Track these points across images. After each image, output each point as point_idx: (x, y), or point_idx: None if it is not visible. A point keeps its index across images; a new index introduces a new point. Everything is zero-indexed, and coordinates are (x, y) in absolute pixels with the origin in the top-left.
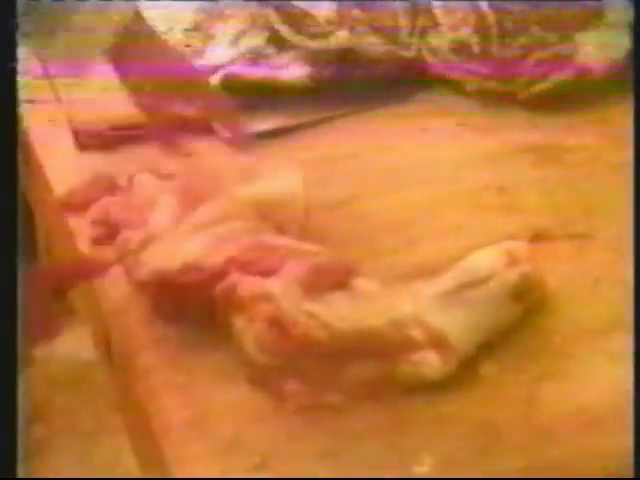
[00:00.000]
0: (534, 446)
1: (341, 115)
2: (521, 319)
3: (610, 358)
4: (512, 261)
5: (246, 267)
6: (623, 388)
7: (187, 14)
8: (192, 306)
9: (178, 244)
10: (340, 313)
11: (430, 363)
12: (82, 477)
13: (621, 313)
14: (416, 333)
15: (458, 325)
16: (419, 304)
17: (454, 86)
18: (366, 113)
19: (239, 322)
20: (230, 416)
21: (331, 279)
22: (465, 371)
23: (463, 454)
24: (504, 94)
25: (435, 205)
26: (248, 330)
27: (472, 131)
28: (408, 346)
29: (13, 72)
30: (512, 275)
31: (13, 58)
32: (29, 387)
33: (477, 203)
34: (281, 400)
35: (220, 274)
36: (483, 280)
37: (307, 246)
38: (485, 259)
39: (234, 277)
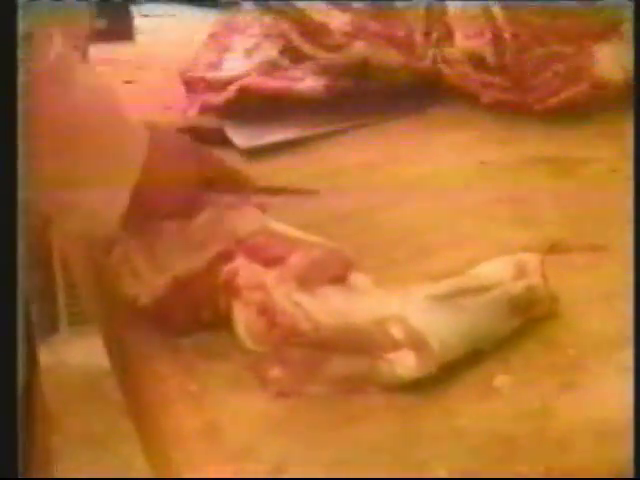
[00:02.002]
0: (549, 458)
1: (356, 126)
2: (535, 330)
3: (624, 371)
4: (521, 273)
5: (251, 253)
6: (633, 402)
7: (203, 25)
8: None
9: None
10: (328, 307)
11: (406, 363)
12: (82, 477)
13: (630, 327)
14: (397, 332)
15: (444, 329)
16: (406, 304)
17: (469, 98)
18: (381, 124)
19: (236, 308)
20: (243, 424)
21: (329, 273)
22: (479, 383)
23: (478, 466)
24: (519, 106)
25: (449, 216)
26: (241, 316)
27: (487, 143)
28: (388, 344)
29: (13, 73)
30: (517, 287)
31: (13, 58)
32: (41, 394)
33: (491, 214)
34: (264, 385)
35: (227, 260)
36: (485, 289)
37: (312, 238)
38: (492, 269)
39: (238, 262)
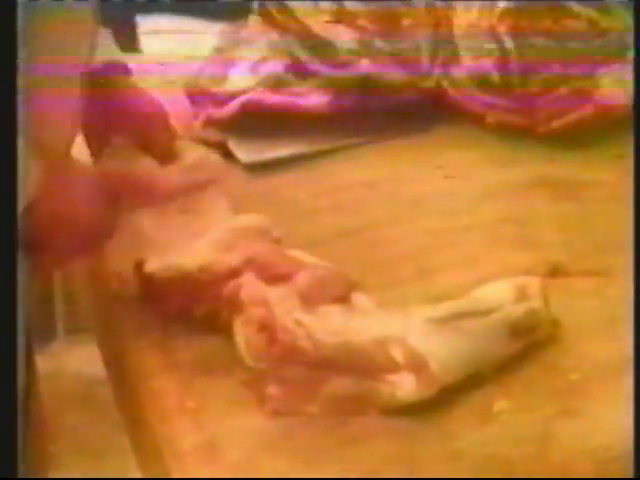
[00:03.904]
0: None
1: (359, 143)
2: (536, 355)
3: (624, 398)
4: (521, 296)
5: (259, 270)
6: (635, 430)
7: (209, 38)
8: (201, 308)
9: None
10: (329, 326)
11: (405, 386)
12: (83, 477)
13: (635, 353)
14: (397, 354)
15: (445, 352)
16: (408, 327)
17: (473, 118)
18: (384, 142)
19: (237, 324)
20: (241, 442)
21: (332, 293)
22: (479, 407)
23: None
24: (523, 128)
25: (451, 236)
26: (242, 332)
27: (490, 164)
28: (388, 366)
29: (13, 76)
30: (517, 310)
31: (13, 60)
32: (37, 403)
33: (493, 236)
34: (261, 403)
35: (235, 274)
36: (485, 312)
37: (317, 261)
38: (493, 292)
39: (245, 278)
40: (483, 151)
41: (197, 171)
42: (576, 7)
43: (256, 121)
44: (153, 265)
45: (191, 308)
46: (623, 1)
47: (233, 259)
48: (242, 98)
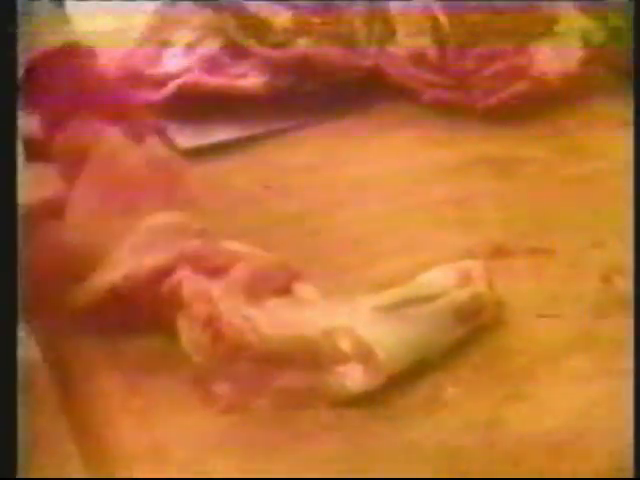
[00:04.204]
0: (499, 471)
1: (299, 125)
2: (483, 339)
3: (573, 379)
4: (465, 280)
5: (194, 264)
6: (586, 411)
7: (141, 18)
8: (142, 312)
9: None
10: (275, 319)
11: (354, 377)
12: (83, 477)
13: (582, 332)
14: (345, 345)
15: (391, 340)
16: (354, 316)
17: (411, 96)
18: (323, 124)
19: (181, 321)
20: (189, 442)
21: (274, 284)
22: (428, 395)
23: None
24: (460, 105)
25: (392, 220)
26: (186, 329)
27: (429, 143)
28: (336, 358)
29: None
30: (461, 295)
31: (14, 63)
32: None
33: (434, 217)
34: (210, 401)
35: (168, 271)
36: (429, 298)
37: (254, 250)
38: (437, 277)
39: (181, 274)
40: (422, 130)
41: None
42: None
43: (193, 104)
44: (83, 291)
45: (131, 315)
46: (623, 1)
47: (159, 259)
48: (178, 80)
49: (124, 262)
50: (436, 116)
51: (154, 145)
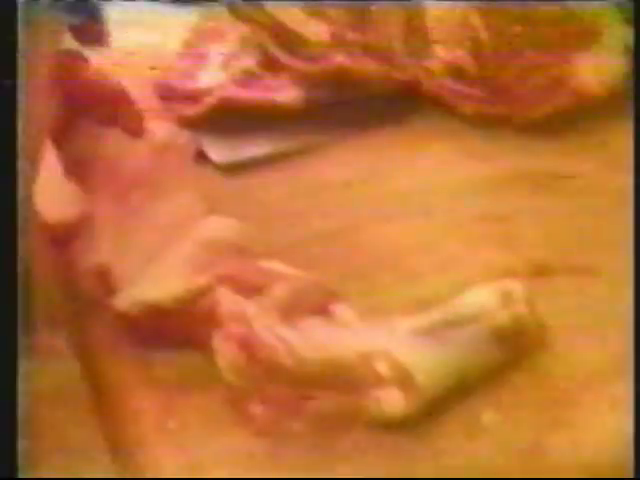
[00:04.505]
0: None
1: (334, 141)
2: (524, 362)
3: (616, 406)
4: (506, 301)
5: (233, 283)
6: (628, 440)
7: (179, 31)
8: (179, 329)
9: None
10: (310, 341)
11: (392, 401)
12: (83, 477)
13: (624, 356)
14: (382, 368)
15: (429, 364)
16: (391, 339)
17: (449, 110)
18: (359, 138)
19: (217, 340)
20: (225, 463)
21: (311, 305)
22: (467, 420)
23: None
24: (500, 119)
25: (430, 237)
26: (222, 349)
27: (468, 157)
28: (373, 381)
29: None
30: (502, 316)
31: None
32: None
33: (473, 234)
34: (245, 423)
35: (208, 289)
36: (468, 320)
37: (292, 270)
38: (477, 298)
39: (218, 293)
40: (460, 144)
41: (167, 149)
42: None
43: (229, 119)
44: (123, 303)
45: (168, 332)
46: (623, 1)
47: (204, 278)
48: (214, 94)
49: (166, 278)
50: (475, 130)
51: (155, 131)
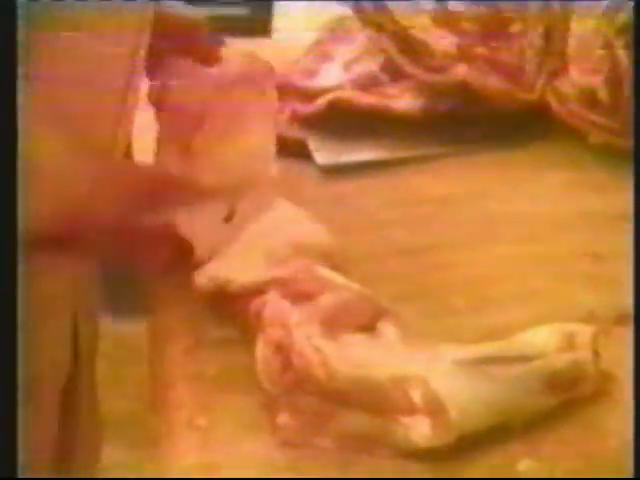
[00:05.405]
0: None
1: (444, 154)
2: (577, 412)
3: None
4: (568, 345)
5: (284, 287)
6: None
7: (312, 27)
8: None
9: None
10: (347, 356)
11: (421, 430)
12: (83, 477)
13: None
14: (416, 395)
15: (467, 398)
16: (431, 366)
17: (575, 137)
18: (471, 155)
19: (259, 342)
20: (245, 468)
21: (356, 320)
22: (501, 463)
23: None
24: (626, 152)
25: (518, 266)
26: (261, 351)
27: (582, 188)
28: (404, 407)
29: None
30: (560, 360)
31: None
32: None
33: (564, 271)
34: (271, 430)
35: (261, 290)
36: (522, 359)
37: (347, 282)
38: (538, 337)
39: (269, 296)
40: (578, 173)
41: (243, 78)
42: None
43: (338, 121)
44: (201, 278)
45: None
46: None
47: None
48: (331, 95)
49: (244, 263)
50: (597, 161)
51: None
